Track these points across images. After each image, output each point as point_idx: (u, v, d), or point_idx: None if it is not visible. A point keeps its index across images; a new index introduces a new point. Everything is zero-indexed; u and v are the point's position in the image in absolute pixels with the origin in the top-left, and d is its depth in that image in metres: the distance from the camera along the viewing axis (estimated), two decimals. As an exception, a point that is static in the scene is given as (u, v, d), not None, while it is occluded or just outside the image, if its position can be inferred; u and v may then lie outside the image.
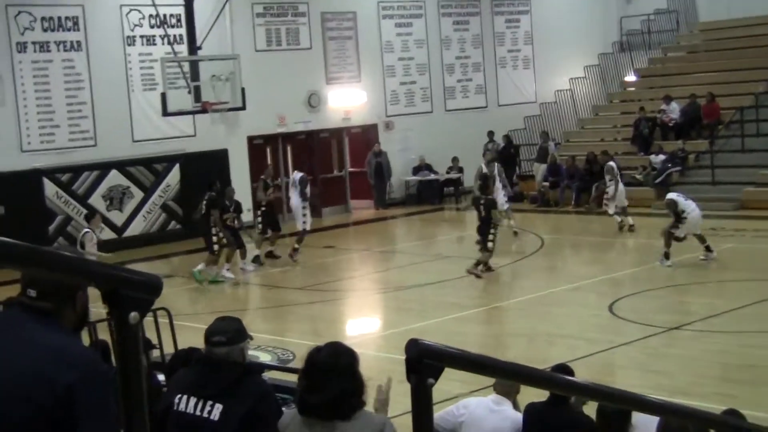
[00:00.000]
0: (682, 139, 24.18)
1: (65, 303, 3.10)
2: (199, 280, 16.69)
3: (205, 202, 16.97)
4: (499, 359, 2.35)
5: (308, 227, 18.64)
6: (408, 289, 15.75)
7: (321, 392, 4.11)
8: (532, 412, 5.87)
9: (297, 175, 18.94)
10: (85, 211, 20.74)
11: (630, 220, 20.02)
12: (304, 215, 18.57)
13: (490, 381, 6.48)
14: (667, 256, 15.91)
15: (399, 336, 12.36)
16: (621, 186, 20.26)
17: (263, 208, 18.77)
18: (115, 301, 1.77)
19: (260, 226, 18.77)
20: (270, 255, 18.87)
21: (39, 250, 1.72)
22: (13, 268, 1.72)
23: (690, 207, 16.01)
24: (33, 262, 1.71)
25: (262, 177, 19.19)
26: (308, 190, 18.77)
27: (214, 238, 16.88)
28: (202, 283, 16.69)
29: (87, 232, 15.52)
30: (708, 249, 16.10)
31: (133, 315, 1.79)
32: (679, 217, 15.89)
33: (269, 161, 23.78)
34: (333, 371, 4.13)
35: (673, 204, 16.06)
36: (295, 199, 18.64)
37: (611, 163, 20.76)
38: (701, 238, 16.11)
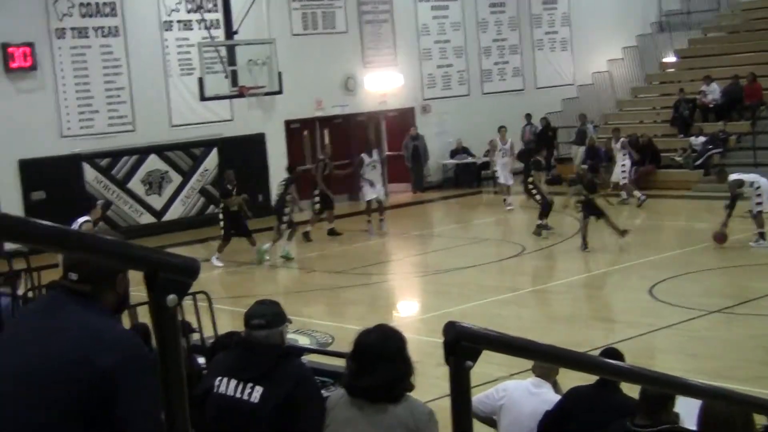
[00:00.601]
0: (722, 120, 23.89)
1: (106, 286, 3.13)
2: (261, 260, 17.36)
3: (284, 183, 17.84)
4: (537, 342, 2.33)
5: (367, 199, 19.67)
6: (446, 273, 15.73)
7: (371, 376, 4.12)
8: (577, 397, 5.81)
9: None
10: (124, 196, 20.96)
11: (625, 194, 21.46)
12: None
13: (530, 364, 6.45)
14: (763, 236, 15.68)
15: (437, 319, 12.35)
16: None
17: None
18: (154, 284, 1.78)
19: (317, 206, 19.34)
20: (332, 232, 19.63)
21: (80, 233, 1.73)
22: (55, 251, 1.72)
23: (755, 177, 15.88)
24: (74, 245, 1.71)
25: (321, 157, 20.03)
26: (362, 170, 19.76)
27: (285, 218, 17.59)
28: (263, 262, 17.38)
29: (87, 221, 15.24)
30: (762, 236, 15.69)
31: (171, 297, 1.79)
32: (734, 197, 15.64)
33: (309, 145, 24.01)
34: (383, 355, 4.14)
35: (735, 185, 15.77)
36: None
37: (624, 139, 21.96)
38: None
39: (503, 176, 22.11)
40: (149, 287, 1.78)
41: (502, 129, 22.68)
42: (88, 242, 1.73)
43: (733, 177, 16.12)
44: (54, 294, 3.19)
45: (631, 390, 5.22)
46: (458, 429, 2.06)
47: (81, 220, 15.19)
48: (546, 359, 2.45)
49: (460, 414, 2.06)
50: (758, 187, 15.65)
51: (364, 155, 19.90)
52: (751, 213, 15.83)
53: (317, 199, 19.38)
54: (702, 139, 23.28)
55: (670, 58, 28.86)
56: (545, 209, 18.17)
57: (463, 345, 2.05)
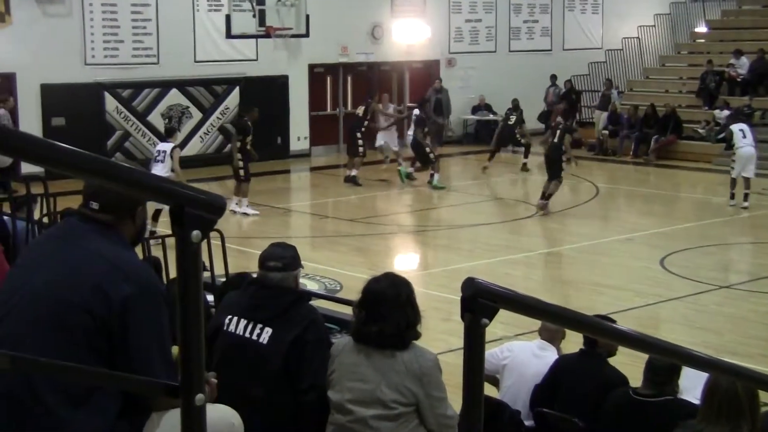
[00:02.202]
0: (749, 95, 23.67)
1: (125, 217, 3.15)
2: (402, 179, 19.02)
3: (414, 119, 19.28)
4: (557, 305, 2.33)
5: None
6: (459, 228, 15.74)
7: (383, 323, 4.15)
8: (565, 367, 5.84)
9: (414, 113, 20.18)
10: (143, 128, 20.95)
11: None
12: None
13: (536, 325, 6.46)
14: (732, 196, 16.91)
15: (446, 274, 12.38)
16: None
17: (363, 130, 19.45)
18: (180, 219, 1.78)
19: (361, 149, 19.32)
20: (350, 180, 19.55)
21: (112, 163, 1.73)
22: (86, 179, 1.73)
23: (742, 143, 16.66)
24: (105, 174, 1.71)
25: (370, 100, 20.12)
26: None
27: (427, 149, 19.01)
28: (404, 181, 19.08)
29: (176, 147, 15.17)
30: (745, 198, 16.66)
31: (196, 233, 1.79)
32: (729, 144, 17.25)
33: (329, 91, 24.00)
34: (395, 302, 4.17)
35: (729, 133, 17.39)
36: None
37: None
38: (746, 183, 16.71)
39: (385, 141, 20.69)
40: (174, 222, 1.79)
41: (384, 94, 21.66)
42: (120, 173, 1.73)
43: (733, 126, 17.31)
44: (73, 221, 3.20)
45: (637, 359, 5.25)
46: (470, 386, 2.06)
47: (168, 146, 15.05)
48: (565, 324, 2.45)
49: (472, 371, 2.06)
50: (734, 153, 16.79)
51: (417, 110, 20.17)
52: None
53: (360, 141, 19.36)
54: (726, 112, 23.07)
55: (702, 29, 28.51)
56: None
57: (480, 302, 2.05)
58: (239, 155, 16.28)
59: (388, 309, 4.17)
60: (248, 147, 16.27)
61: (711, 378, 3.89)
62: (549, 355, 6.14)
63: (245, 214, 16.29)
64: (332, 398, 4.27)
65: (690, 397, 4.96)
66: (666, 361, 4.71)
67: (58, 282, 3.01)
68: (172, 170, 14.39)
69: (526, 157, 21.56)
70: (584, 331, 2.58)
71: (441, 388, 4.23)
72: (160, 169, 14.15)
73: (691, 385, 5.02)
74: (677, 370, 4.95)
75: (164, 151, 14.73)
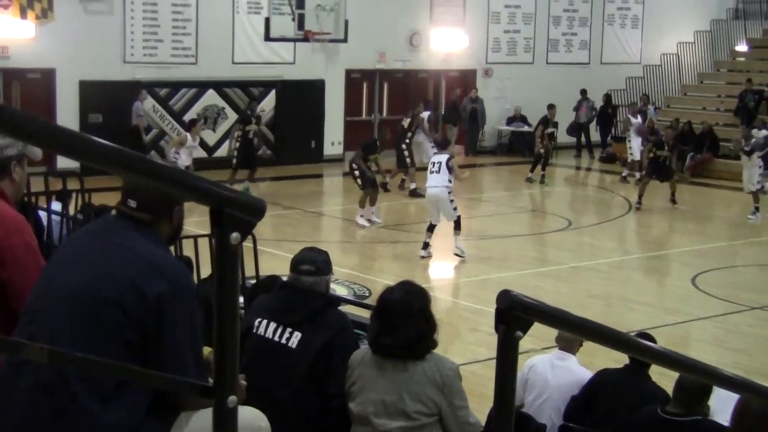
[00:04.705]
0: (788, 116, 23.44)
1: (163, 216, 3.17)
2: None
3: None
4: (591, 320, 2.31)
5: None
6: (489, 239, 15.69)
7: (394, 335, 4.12)
8: (606, 379, 5.81)
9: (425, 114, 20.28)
10: (179, 128, 21.07)
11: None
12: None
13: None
14: (757, 209, 17.61)
15: (476, 285, 12.35)
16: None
17: (407, 142, 19.59)
18: (219, 220, 1.78)
19: (408, 160, 19.46)
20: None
21: (154, 162, 1.74)
22: (126, 176, 1.73)
23: None
24: (145, 172, 1.72)
25: (415, 112, 20.30)
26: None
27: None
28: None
29: (451, 157, 14.45)
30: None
31: (235, 235, 1.79)
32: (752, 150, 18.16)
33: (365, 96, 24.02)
34: (406, 314, 4.14)
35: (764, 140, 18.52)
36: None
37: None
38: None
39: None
40: (214, 223, 1.79)
41: (196, 123, 18.67)
42: (162, 172, 1.74)
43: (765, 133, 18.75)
44: (110, 218, 3.23)
45: (663, 377, 5.20)
46: (501, 398, 2.05)
47: (443, 157, 14.36)
48: (601, 341, 2.42)
49: (504, 383, 2.05)
50: None
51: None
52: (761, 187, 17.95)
53: (406, 153, 19.35)
54: (764, 132, 22.82)
55: (742, 47, 28.27)
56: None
57: (515, 315, 2.04)
58: (358, 172, 16.70)
59: (399, 320, 4.13)
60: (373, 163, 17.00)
61: (742, 400, 3.85)
62: (569, 365, 6.15)
63: (370, 221, 16.46)
64: (354, 410, 4.24)
65: (720, 419, 4.91)
66: (697, 380, 4.67)
67: (93, 278, 3.03)
68: (450, 181, 14.06)
69: (543, 169, 21.27)
70: (621, 349, 2.56)
71: (463, 396, 4.22)
72: (436, 180, 13.87)
73: (722, 407, 4.97)
74: (708, 390, 4.90)
75: (439, 162, 14.26)
